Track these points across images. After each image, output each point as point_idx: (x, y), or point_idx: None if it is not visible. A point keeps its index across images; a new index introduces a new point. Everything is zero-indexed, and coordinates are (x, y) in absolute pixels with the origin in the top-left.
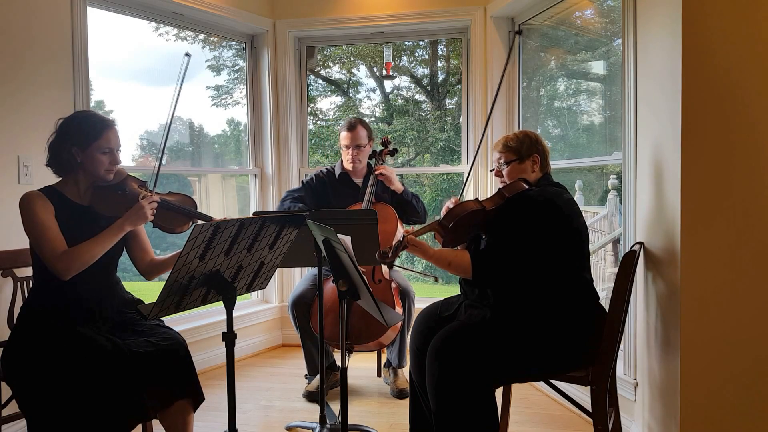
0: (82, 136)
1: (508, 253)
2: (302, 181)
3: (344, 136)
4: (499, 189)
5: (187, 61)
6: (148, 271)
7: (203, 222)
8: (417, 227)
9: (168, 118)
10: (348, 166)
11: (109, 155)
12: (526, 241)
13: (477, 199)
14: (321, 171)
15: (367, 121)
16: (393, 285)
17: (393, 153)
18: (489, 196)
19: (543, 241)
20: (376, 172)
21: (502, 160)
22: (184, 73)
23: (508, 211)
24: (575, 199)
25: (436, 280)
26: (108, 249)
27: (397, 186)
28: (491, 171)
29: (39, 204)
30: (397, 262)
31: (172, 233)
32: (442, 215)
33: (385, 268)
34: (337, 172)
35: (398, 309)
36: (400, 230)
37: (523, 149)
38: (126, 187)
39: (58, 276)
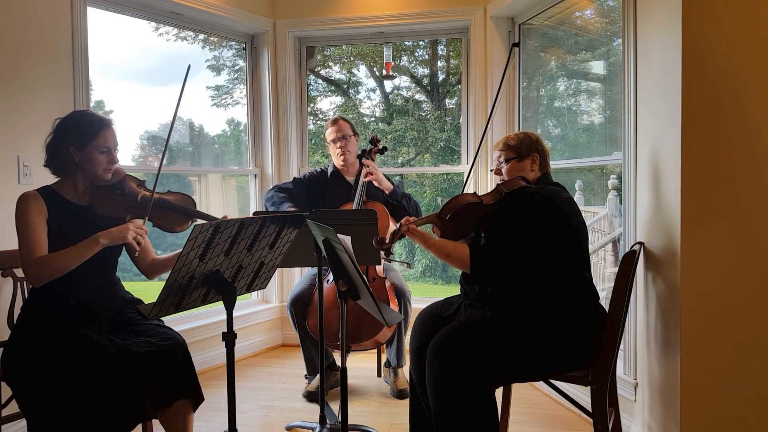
0: (80, 135)
1: (506, 249)
2: (294, 177)
3: (330, 131)
4: (497, 185)
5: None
6: (150, 270)
7: (203, 221)
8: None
9: (170, 125)
10: (339, 160)
11: (107, 154)
12: (524, 238)
13: (475, 193)
14: (315, 170)
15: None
16: (388, 283)
17: (382, 151)
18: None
19: (541, 239)
20: (364, 172)
21: (502, 158)
22: (184, 83)
23: (506, 208)
24: (575, 199)
25: (410, 266)
26: (83, 261)
27: (387, 185)
28: (491, 170)
29: (32, 205)
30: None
31: (172, 232)
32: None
33: (379, 267)
34: (329, 170)
35: (393, 307)
36: (392, 227)
37: (523, 148)
38: (125, 187)
39: (28, 281)
